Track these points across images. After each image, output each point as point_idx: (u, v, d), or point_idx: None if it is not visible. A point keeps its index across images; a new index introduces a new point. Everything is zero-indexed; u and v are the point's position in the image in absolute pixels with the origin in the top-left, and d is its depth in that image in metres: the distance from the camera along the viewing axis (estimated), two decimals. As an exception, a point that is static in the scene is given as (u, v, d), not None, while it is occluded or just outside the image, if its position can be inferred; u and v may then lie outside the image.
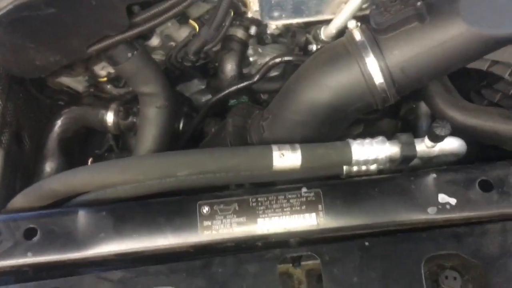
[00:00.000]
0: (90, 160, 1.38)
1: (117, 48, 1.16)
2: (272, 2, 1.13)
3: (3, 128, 1.18)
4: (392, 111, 1.35)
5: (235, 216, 0.90)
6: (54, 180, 0.99)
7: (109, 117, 1.33)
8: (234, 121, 1.19)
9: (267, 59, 1.31)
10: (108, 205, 0.94)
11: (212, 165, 0.93)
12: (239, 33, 1.28)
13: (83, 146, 1.45)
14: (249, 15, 1.24)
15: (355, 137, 0.98)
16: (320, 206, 0.91)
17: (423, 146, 0.97)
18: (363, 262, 0.87)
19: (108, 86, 1.41)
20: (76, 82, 1.37)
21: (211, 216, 0.90)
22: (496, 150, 1.08)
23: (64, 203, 0.99)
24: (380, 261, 0.87)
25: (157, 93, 1.23)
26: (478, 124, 1.06)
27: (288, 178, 0.98)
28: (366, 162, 0.96)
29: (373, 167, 0.98)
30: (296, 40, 1.23)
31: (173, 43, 1.33)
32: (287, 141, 0.96)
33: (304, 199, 0.91)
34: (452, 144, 0.98)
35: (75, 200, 0.99)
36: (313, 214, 0.90)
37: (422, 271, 0.85)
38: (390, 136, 0.98)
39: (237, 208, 0.91)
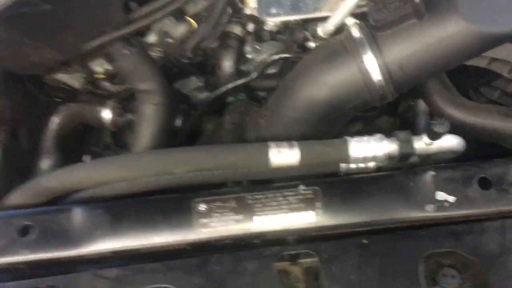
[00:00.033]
0: (87, 157, 1.37)
1: (114, 44, 1.16)
2: (270, -2, 1.13)
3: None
4: (390, 109, 1.35)
5: (232, 213, 0.90)
6: (50, 177, 0.98)
7: (106, 114, 1.32)
8: (232, 119, 1.18)
9: (264, 56, 1.30)
10: (105, 202, 0.93)
11: (209, 162, 0.93)
12: (237, 30, 1.27)
13: (80, 143, 1.44)
14: (247, 12, 1.23)
15: (353, 135, 0.98)
16: (318, 204, 0.90)
17: (422, 144, 0.96)
18: (361, 259, 0.87)
19: (105, 83, 1.39)
20: (73, 79, 1.36)
21: (208, 213, 0.90)
22: (495, 148, 1.08)
23: (60, 200, 0.98)
24: (378, 259, 0.87)
25: (155, 90, 1.22)
26: (477, 121, 1.06)
27: (286, 176, 0.97)
28: (364, 160, 0.95)
29: (371, 164, 0.98)
30: (294, 37, 1.22)
31: (170, 40, 1.32)
32: (285, 138, 0.96)
33: (302, 196, 0.91)
34: (450, 142, 0.98)
35: (71, 197, 0.98)
36: (311, 212, 0.90)
37: (421, 269, 0.85)
38: (388, 133, 0.98)
39: (234, 205, 0.90)
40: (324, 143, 0.96)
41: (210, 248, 0.91)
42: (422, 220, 0.89)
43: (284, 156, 0.92)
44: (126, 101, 1.35)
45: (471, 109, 1.08)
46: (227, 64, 1.29)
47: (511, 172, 0.90)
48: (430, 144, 0.96)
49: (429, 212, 0.88)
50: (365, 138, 0.96)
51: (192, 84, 1.45)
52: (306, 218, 0.90)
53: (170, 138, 1.30)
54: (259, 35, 1.34)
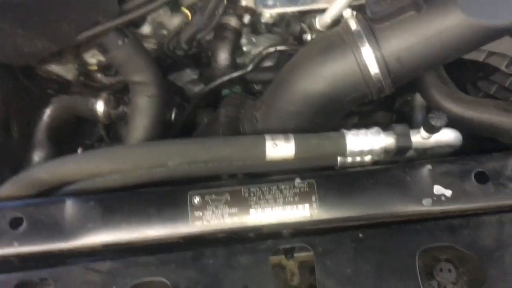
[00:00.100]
0: (80, 150, 1.36)
1: (108, 35, 1.14)
2: (267, -11, 1.12)
3: None
4: (387, 104, 1.34)
5: (227, 206, 0.89)
6: (41, 168, 0.97)
7: (100, 106, 1.30)
8: (227, 111, 1.17)
9: (260, 49, 1.29)
10: (97, 194, 0.92)
11: (204, 155, 0.91)
12: (233, 21, 1.25)
13: (73, 135, 1.43)
14: (243, 3, 1.22)
15: (350, 128, 0.97)
16: (313, 197, 0.89)
17: (419, 137, 0.95)
18: (357, 254, 0.86)
19: (99, 75, 1.38)
20: (65, 70, 1.34)
21: (202, 206, 0.89)
22: (492, 142, 1.07)
23: (52, 192, 0.97)
24: (374, 253, 0.86)
25: (148, 82, 1.21)
26: (474, 116, 1.05)
27: (282, 169, 0.96)
28: (360, 153, 0.94)
29: (367, 158, 0.97)
30: (291, 29, 1.21)
31: (165, 31, 1.31)
32: (281, 131, 0.95)
33: (297, 190, 0.90)
34: (447, 136, 0.97)
35: (63, 189, 0.96)
36: (307, 205, 0.89)
37: (417, 263, 0.84)
38: (385, 127, 0.97)
39: (229, 198, 0.89)
40: (321, 136, 0.95)
41: (204, 242, 0.90)
42: (419, 214, 0.88)
43: (279, 149, 0.91)
44: (119, 93, 1.33)
45: (468, 103, 1.07)
46: (223, 56, 1.28)
47: (508, 166, 0.89)
48: (427, 138, 0.95)
49: (425, 206, 0.88)
50: (362, 131, 0.95)
51: (187, 77, 1.44)
52: (301, 212, 0.89)
53: (164, 131, 1.29)
54: (255, 27, 1.33)
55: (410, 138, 0.94)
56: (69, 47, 1.24)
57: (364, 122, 1.32)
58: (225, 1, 1.19)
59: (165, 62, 1.36)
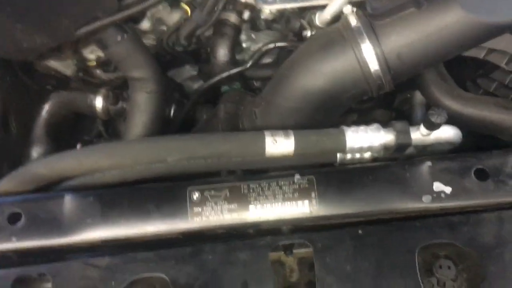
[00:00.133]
0: (79, 146, 1.35)
1: (107, 30, 1.13)
2: (266, -14, 1.11)
3: None
4: (387, 101, 1.34)
5: (226, 202, 0.88)
6: (40, 163, 0.96)
7: (98, 102, 1.30)
8: (226, 108, 1.17)
9: (260, 45, 1.29)
10: (96, 190, 0.92)
11: (203, 151, 0.91)
12: (232, 17, 1.25)
13: (71, 131, 1.42)
14: (243, -1, 1.22)
15: (349, 125, 0.97)
16: (313, 194, 0.89)
17: (418, 134, 0.95)
18: (356, 250, 0.86)
19: (98, 71, 1.38)
20: (64, 66, 1.34)
21: (201, 202, 0.88)
22: (492, 140, 1.07)
23: (51, 188, 0.96)
24: (373, 250, 0.86)
25: (148, 78, 1.21)
26: (474, 113, 1.05)
27: (281, 165, 0.96)
28: (360, 150, 0.94)
29: (367, 155, 0.96)
30: (290, 25, 1.21)
31: (164, 27, 1.30)
32: (280, 128, 0.95)
33: (297, 186, 0.89)
34: (447, 133, 0.97)
35: (61, 185, 0.96)
36: (306, 202, 0.89)
37: (416, 260, 0.84)
38: (385, 124, 0.97)
39: (228, 194, 0.89)
40: (320, 133, 0.94)
41: (203, 238, 0.90)
42: (418, 211, 0.88)
43: (279, 145, 0.91)
44: (118, 89, 1.33)
45: (468, 100, 1.07)
46: (222, 52, 1.27)
47: (508, 164, 0.89)
48: (427, 135, 0.95)
49: (425, 203, 0.87)
50: (362, 128, 0.95)
51: (186, 73, 1.44)
52: (301, 208, 0.88)
53: (163, 127, 1.29)
54: (254, 24, 1.32)
55: (410, 135, 0.94)
56: (68, 43, 1.24)
57: (363, 120, 1.32)
58: (225, -3, 1.19)
59: (164, 58, 1.35)
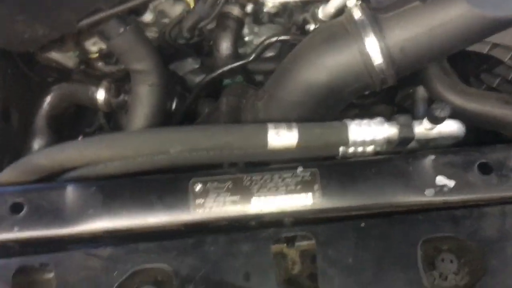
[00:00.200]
0: (80, 138, 1.35)
1: (109, 22, 1.13)
2: (270, -22, 1.11)
3: None
4: (389, 96, 1.34)
5: (228, 194, 0.88)
6: (41, 154, 0.96)
7: (100, 95, 1.29)
8: (229, 101, 1.17)
9: (262, 38, 1.28)
10: (98, 181, 0.91)
11: (206, 142, 0.91)
12: (235, 10, 1.24)
13: (73, 124, 1.42)
14: (246, -8, 1.22)
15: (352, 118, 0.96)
16: (316, 186, 0.89)
17: (422, 128, 0.95)
18: (358, 243, 0.86)
19: (99, 63, 1.37)
20: (66, 58, 1.33)
21: (204, 194, 0.88)
22: (494, 135, 1.07)
23: (52, 179, 0.96)
24: (376, 243, 0.86)
25: (150, 70, 1.20)
26: (477, 108, 1.05)
27: (283, 158, 0.96)
28: (363, 143, 0.94)
29: (369, 148, 0.96)
30: (294, 19, 1.21)
31: (166, 20, 1.29)
32: (282, 121, 0.94)
33: (300, 178, 0.89)
34: (450, 127, 0.97)
35: (63, 176, 0.96)
36: (309, 194, 0.88)
37: (418, 253, 0.84)
38: (387, 119, 0.97)
39: (230, 186, 0.89)
40: (323, 126, 0.94)
41: (206, 229, 0.90)
42: (421, 204, 0.88)
43: (282, 137, 0.91)
44: (120, 82, 1.33)
45: (471, 95, 1.07)
46: (225, 46, 1.27)
47: (512, 158, 0.89)
48: (430, 129, 0.94)
49: (428, 196, 0.87)
50: (365, 121, 0.94)
51: (188, 66, 1.43)
52: (303, 201, 0.88)
53: (165, 121, 1.29)
54: (257, 17, 1.32)
55: (413, 129, 0.93)
56: (70, 34, 1.23)
57: (365, 115, 1.31)
58: (228, -10, 1.19)
59: (166, 51, 1.35)
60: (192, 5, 1.22)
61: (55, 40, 1.18)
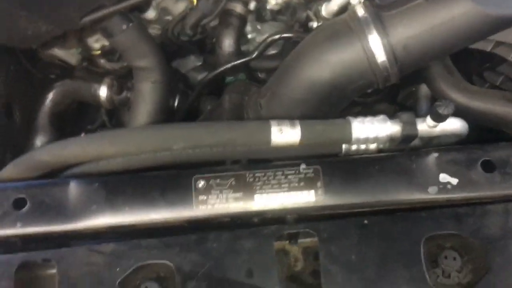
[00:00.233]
0: (82, 135, 1.35)
1: (112, 19, 1.13)
2: (273, -25, 1.11)
3: None
4: (391, 95, 1.34)
5: (231, 191, 0.88)
6: (44, 150, 0.96)
7: (103, 92, 1.29)
8: (231, 98, 1.16)
9: (265, 36, 1.28)
10: (101, 177, 0.91)
11: (209, 139, 0.91)
12: (238, 8, 1.24)
13: (75, 120, 1.42)
14: (249, -11, 1.22)
15: (355, 116, 0.96)
16: (319, 183, 0.89)
17: (425, 126, 0.95)
18: (361, 240, 0.86)
19: (102, 60, 1.37)
20: (69, 55, 1.33)
21: (207, 190, 0.88)
22: (497, 134, 1.07)
23: (54, 175, 0.96)
24: (379, 240, 0.86)
25: (152, 67, 1.20)
26: (480, 106, 1.05)
27: (286, 155, 0.96)
28: (366, 141, 0.94)
29: (372, 146, 0.96)
30: (297, 16, 1.20)
31: (169, 17, 1.29)
32: (285, 118, 0.94)
33: (302, 175, 0.89)
34: (454, 125, 0.97)
35: (66, 172, 0.96)
36: (312, 191, 0.88)
37: (422, 250, 0.84)
38: (390, 116, 0.96)
39: (233, 183, 0.89)
40: (326, 123, 0.94)
41: (208, 226, 0.90)
42: (424, 202, 0.88)
43: (285, 134, 0.91)
44: (123, 79, 1.33)
45: (474, 93, 1.06)
46: (227, 43, 1.27)
47: (515, 156, 0.89)
48: (433, 126, 0.94)
49: (431, 194, 0.87)
50: (368, 118, 0.94)
51: (191, 63, 1.43)
52: (306, 197, 0.88)
53: (167, 118, 1.29)
54: (260, 15, 1.32)
55: (416, 127, 0.93)
56: (73, 31, 1.23)
57: (367, 113, 1.31)
58: (231, -13, 1.19)
59: (169, 48, 1.35)
60: (195, 2, 1.23)
61: (57, 37, 1.18)
